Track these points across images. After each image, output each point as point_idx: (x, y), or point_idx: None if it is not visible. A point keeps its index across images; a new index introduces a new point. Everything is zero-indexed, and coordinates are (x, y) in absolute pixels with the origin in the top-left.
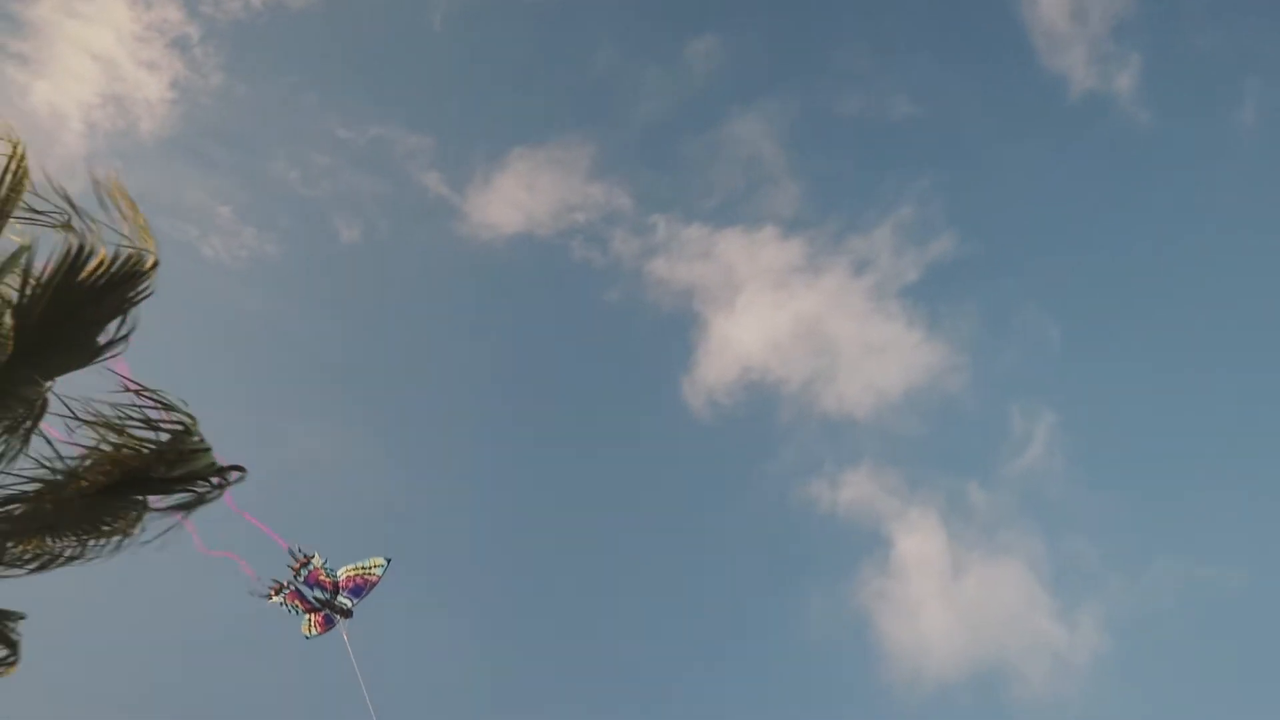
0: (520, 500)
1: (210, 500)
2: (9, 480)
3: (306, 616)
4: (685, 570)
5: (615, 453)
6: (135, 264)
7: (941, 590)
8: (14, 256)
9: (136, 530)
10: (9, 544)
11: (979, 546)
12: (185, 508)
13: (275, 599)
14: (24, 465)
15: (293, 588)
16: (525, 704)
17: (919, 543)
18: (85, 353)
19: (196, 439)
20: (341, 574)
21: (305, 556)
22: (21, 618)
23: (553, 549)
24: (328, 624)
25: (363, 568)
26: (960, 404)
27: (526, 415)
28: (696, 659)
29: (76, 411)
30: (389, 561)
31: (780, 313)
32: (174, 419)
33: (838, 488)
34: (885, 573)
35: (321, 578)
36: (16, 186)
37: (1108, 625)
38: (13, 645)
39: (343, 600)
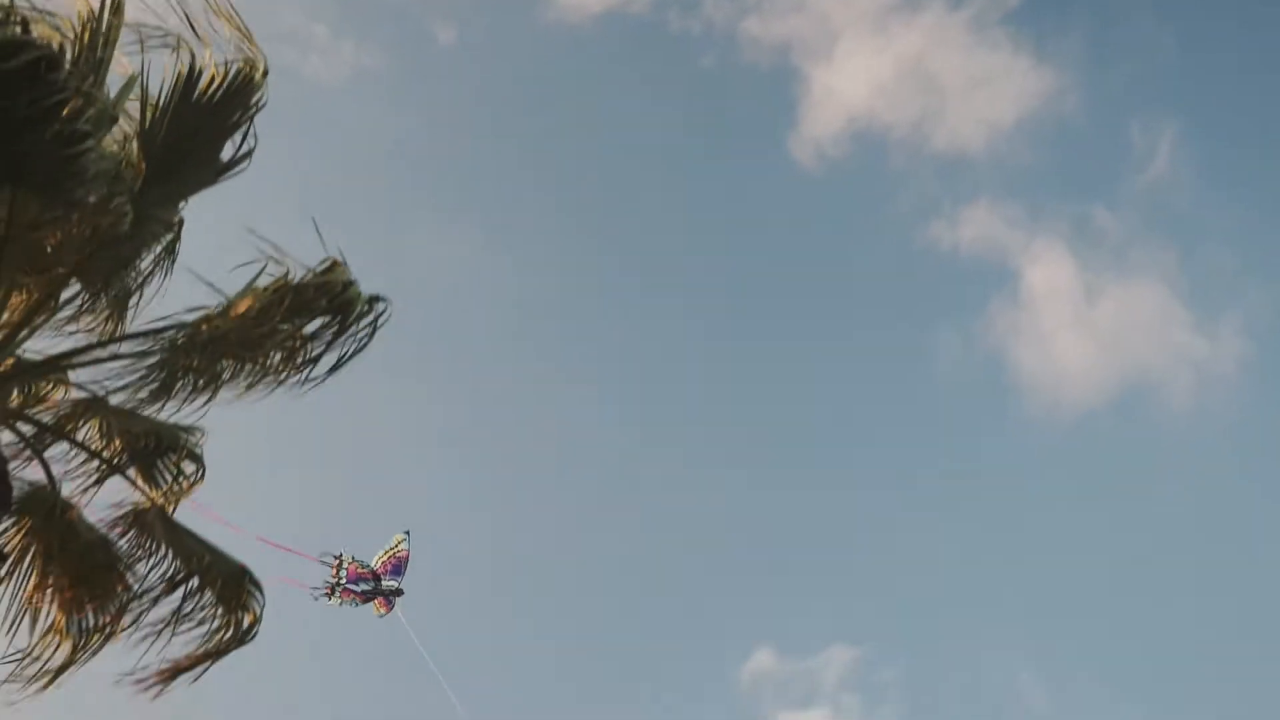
0: (652, 282)
1: (360, 337)
2: (167, 308)
3: (370, 604)
4: (813, 326)
5: (727, 216)
6: (247, 74)
7: (1075, 317)
8: (129, 83)
9: (297, 360)
10: (177, 368)
11: (1110, 269)
12: (337, 338)
13: (334, 600)
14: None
15: (344, 587)
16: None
17: (1047, 272)
18: (212, 170)
19: (344, 271)
20: (375, 563)
21: (336, 558)
22: (203, 432)
23: (684, 314)
24: (389, 604)
25: (389, 550)
26: (1076, 127)
27: (637, 198)
28: (829, 417)
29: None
30: (407, 534)
31: (881, 57)
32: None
33: (958, 226)
34: (1015, 306)
35: (360, 571)
36: (118, 10)
37: (1250, 331)
38: (198, 459)
39: (388, 584)
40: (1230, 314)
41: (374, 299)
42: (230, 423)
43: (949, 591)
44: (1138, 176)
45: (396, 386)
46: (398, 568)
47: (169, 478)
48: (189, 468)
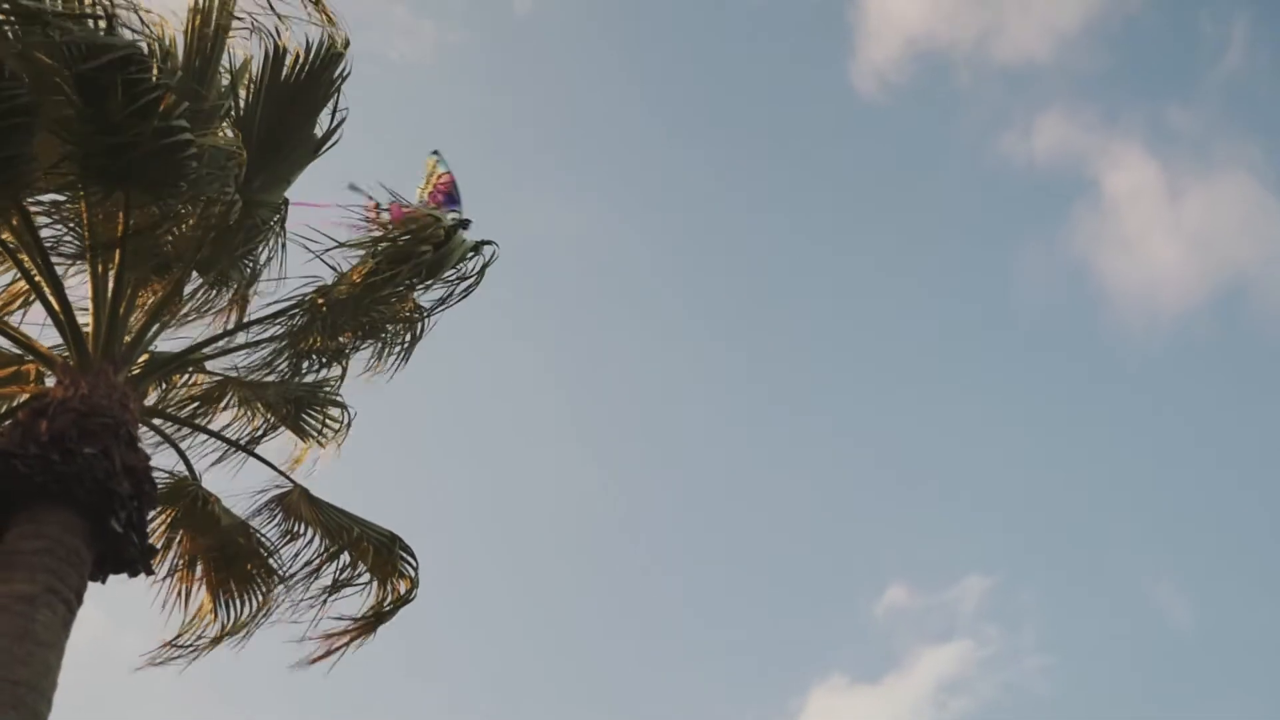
0: (727, 229)
1: (472, 282)
2: (285, 290)
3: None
4: (889, 252)
5: (794, 153)
6: (329, 48)
7: (1161, 220)
8: (238, 73)
9: (416, 328)
10: (300, 346)
11: (1193, 167)
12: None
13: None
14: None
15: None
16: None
17: (1128, 176)
18: (309, 148)
19: (445, 225)
20: (420, 198)
21: (372, 203)
22: (340, 379)
23: (763, 259)
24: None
25: (428, 179)
26: (1144, 25)
27: (705, 143)
28: (920, 348)
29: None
30: (436, 153)
31: None
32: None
33: (1031, 137)
34: (1098, 214)
35: (406, 209)
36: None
37: None
38: (341, 405)
39: (449, 216)
40: None
41: (480, 243)
42: None
43: (1078, 513)
44: (1212, 70)
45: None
46: (450, 195)
47: (319, 429)
48: (336, 414)
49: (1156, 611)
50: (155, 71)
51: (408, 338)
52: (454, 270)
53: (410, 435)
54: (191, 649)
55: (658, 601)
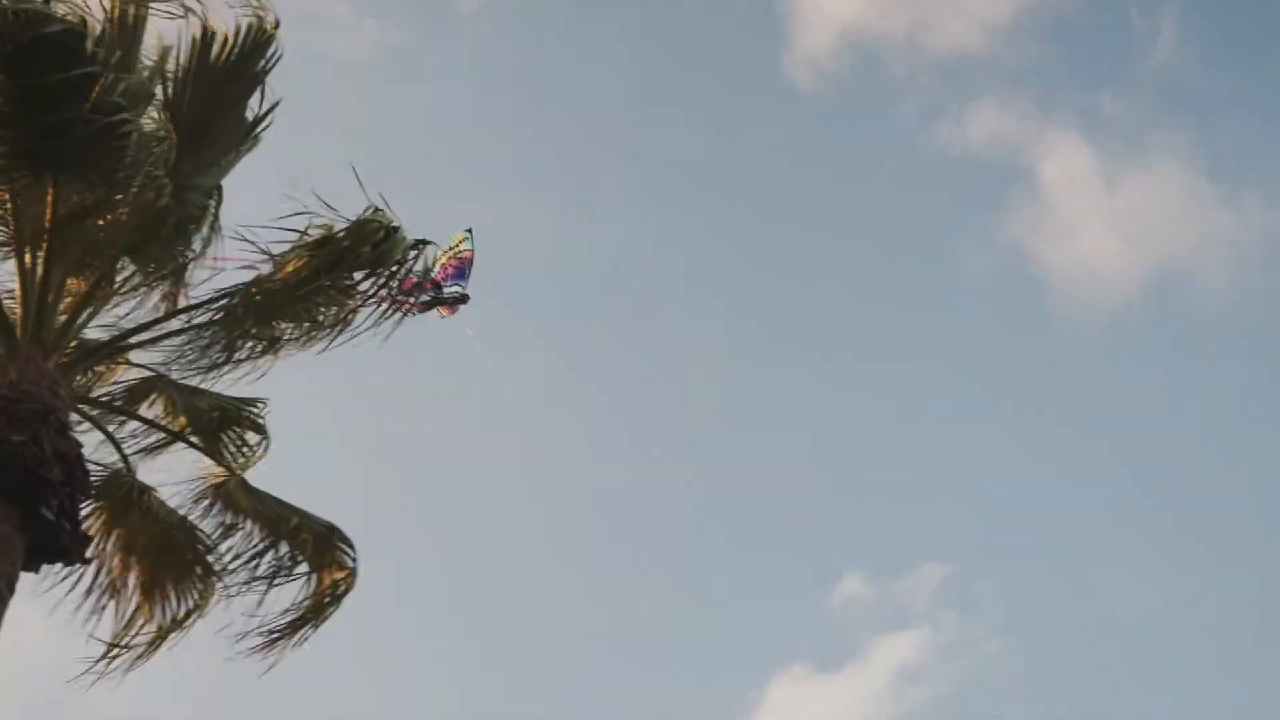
0: (670, 223)
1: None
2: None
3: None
4: (829, 248)
5: (729, 145)
6: (259, 30)
7: (1097, 207)
8: (162, 56)
9: (350, 315)
10: (233, 334)
11: (1126, 155)
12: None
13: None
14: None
15: (399, 298)
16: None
17: (1063, 164)
18: (241, 130)
19: (385, 219)
20: (435, 267)
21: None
22: (265, 403)
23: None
24: (454, 309)
25: (450, 250)
26: (1074, 17)
27: (649, 136)
28: (864, 340)
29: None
30: (469, 232)
31: None
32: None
33: (966, 126)
34: (1035, 202)
35: (416, 281)
36: None
37: (1277, 202)
38: (261, 429)
39: (452, 289)
40: (1252, 188)
41: (419, 243)
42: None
43: (1030, 500)
44: (1143, 60)
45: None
46: (460, 270)
47: (234, 450)
48: (253, 439)
49: (1116, 593)
50: (90, 48)
51: (341, 331)
52: (394, 269)
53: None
54: (132, 650)
55: (616, 596)
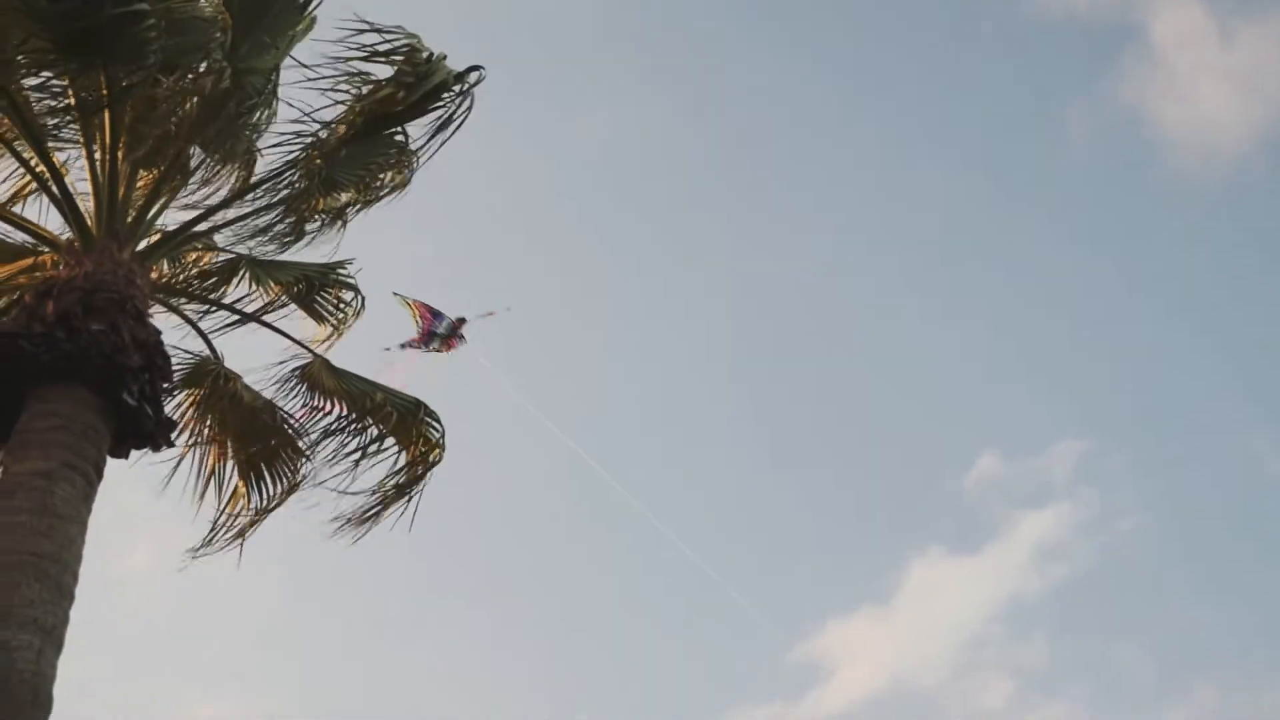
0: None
1: (461, 114)
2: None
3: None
4: (937, 117)
5: (819, 27)
6: None
7: (1213, 61)
8: None
9: (409, 171)
10: (302, 210)
11: (1239, 8)
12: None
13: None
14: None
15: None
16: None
17: (1175, 21)
18: (295, 8)
19: (426, 53)
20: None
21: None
22: (352, 261)
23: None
24: (458, 339)
25: (412, 316)
26: None
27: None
28: (979, 213)
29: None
30: (396, 293)
31: None
32: (399, 42)
33: None
34: (1149, 61)
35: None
36: None
37: None
38: (354, 287)
39: (443, 326)
40: None
41: (467, 70)
42: None
43: (1162, 371)
44: None
45: None
46: (433, 312)
47: (333, 310)
48: (348, 295)
49: (1256, 459)
50: None
51: (400, 179)
52: (440, 104)
53: None
54: (232, 531)
55: (758, 481)
